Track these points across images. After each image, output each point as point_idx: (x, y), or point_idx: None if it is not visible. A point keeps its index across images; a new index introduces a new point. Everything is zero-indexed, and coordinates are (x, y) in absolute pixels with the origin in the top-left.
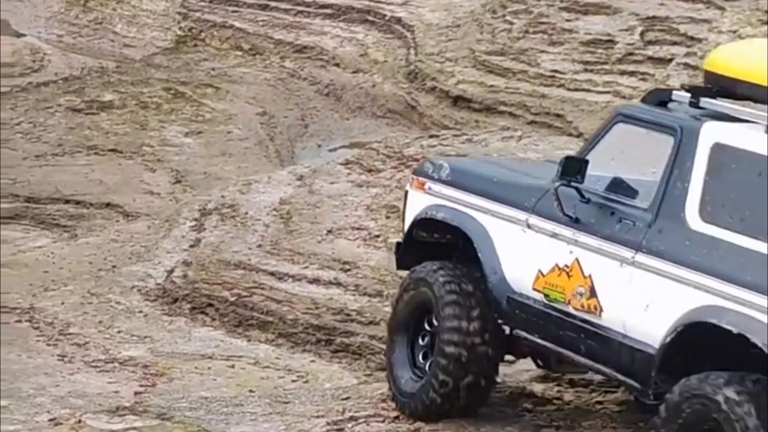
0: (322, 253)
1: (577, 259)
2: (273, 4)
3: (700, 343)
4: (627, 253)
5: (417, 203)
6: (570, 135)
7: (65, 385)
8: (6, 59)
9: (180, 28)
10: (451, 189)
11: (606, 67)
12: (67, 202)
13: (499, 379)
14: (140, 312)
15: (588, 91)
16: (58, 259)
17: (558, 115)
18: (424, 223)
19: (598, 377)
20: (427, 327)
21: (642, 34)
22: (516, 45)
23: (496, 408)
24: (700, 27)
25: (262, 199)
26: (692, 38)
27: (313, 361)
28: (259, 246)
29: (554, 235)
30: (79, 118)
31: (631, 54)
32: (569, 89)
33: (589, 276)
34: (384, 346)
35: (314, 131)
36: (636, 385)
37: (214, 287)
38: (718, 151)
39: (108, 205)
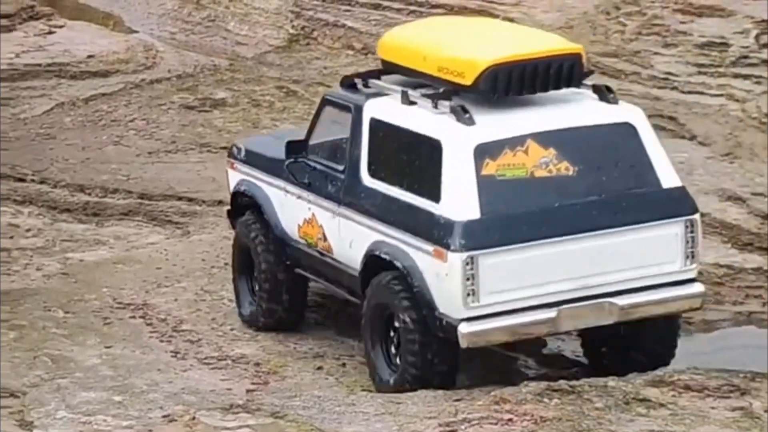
0: None
1: (313, 214)
2: (386, 3)
3: (379, 264)
4: (334, 206)
5: (232, 179)
6: (683, 138)
7: (178, 382)
8: (119, 56)
9: (292, 27)
10: (247, 167)
11: (720, 69)
12: (179, 199)
13: (612, 383)
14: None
15: (702, 93)
16: (171, 255)
17: (671, 118)
18: (238, 193)
19: (713, 383)
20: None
21: (757, 37)
22: (629, 47)
23: (610, 412)
24: None
25: None
26: None
27: None
28: None
29: (299, 197)
30: (192, 116)
31: (745, 57)
32: (683, 92)
33: (321, 225)
34: (496, 348)
35: None
36: (357, 300)
37: None
38: (373, 122)
39: (220, 202)
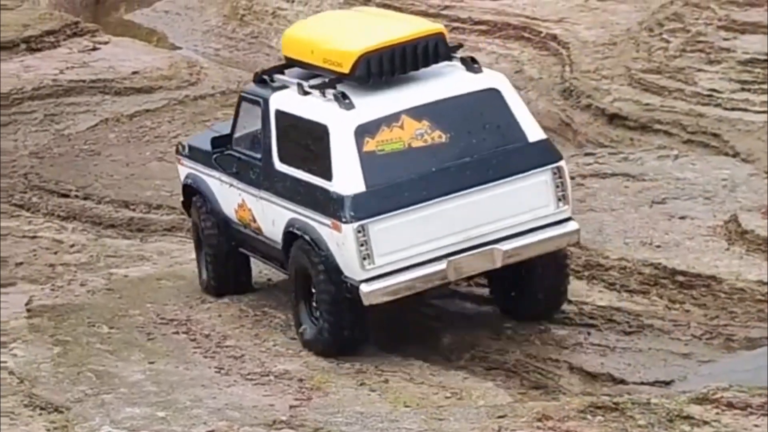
0: None
1: (243, 199)
2: (428, 19)
3: (295, 238)
4: (256, 191)
5: (181, 173)
6: (726, 155)
7: (222, 398)
8: (163, 72)
9: None
10: (191, 161)
11: (763, 86)
12: None
13: (655, 400)
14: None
15: (745, 110)
16: None
17: (715, 135)
18: (186, 186)
19: (757, 400)
20: None
21: None
22: (672, 63)
23: (653, 429)
24: None
25: None
26: None
27: (467, 377)
28: None
29: (231, 185)
30: None
31: None
32: (726, 108)
33: (250, 209)
34: (539, 364)
35: None
36: (286, 271)
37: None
38: (278, 113)
39: None
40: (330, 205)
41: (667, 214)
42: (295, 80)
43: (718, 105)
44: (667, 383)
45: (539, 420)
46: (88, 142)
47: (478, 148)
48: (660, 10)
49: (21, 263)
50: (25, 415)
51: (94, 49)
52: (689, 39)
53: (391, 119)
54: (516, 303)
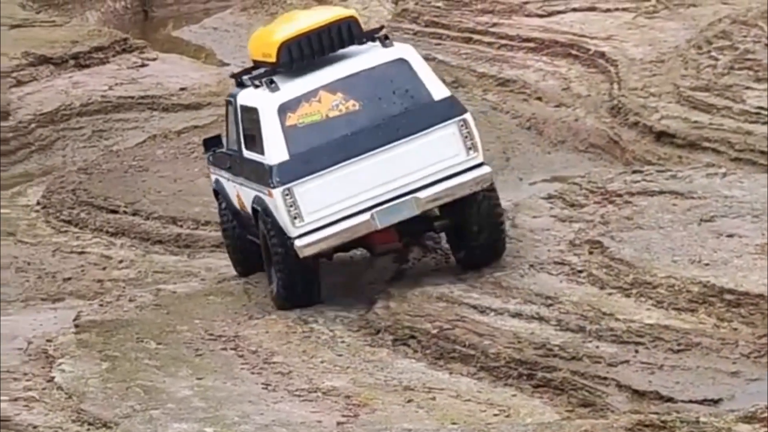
0: (524, 288)
1: (237, 189)
2: (476, 37)
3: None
4: (238, 179)
5: (212, 179)
6: None
7: (269, 414)
8: (211, 88)
9: None
10: (213, 167)
11: None
12: None
13: (704, 419)
14: (343, 342)
15: None
16: (261, 287)
17: (763, 152)
18: (215, 190)
19: None
20: None
21: None
22: (721, 81)
23: None
24: None
25: None
26: None
27: (514, 395)
28: (462, 279)
29: (228, 180)
30: None
31: None
32: None
33: (240, 196)
34: (587, 382)
35: (516, 165)
36: (258, 241)
37: (416, 319)
38: (240, 107)
39: None
40: (264, 175)
41: (716, 232)
42: (250, 77)
43: (766, 123)
44: (716, 402)
45: None
46: (136, 158)
47: (389, 111)
48: (708, 27)
49: (69, 279)
50: (73, 431)
51: (143, 65)
52: (737, 56)
53: (309, 95)
54: (466, 252)
